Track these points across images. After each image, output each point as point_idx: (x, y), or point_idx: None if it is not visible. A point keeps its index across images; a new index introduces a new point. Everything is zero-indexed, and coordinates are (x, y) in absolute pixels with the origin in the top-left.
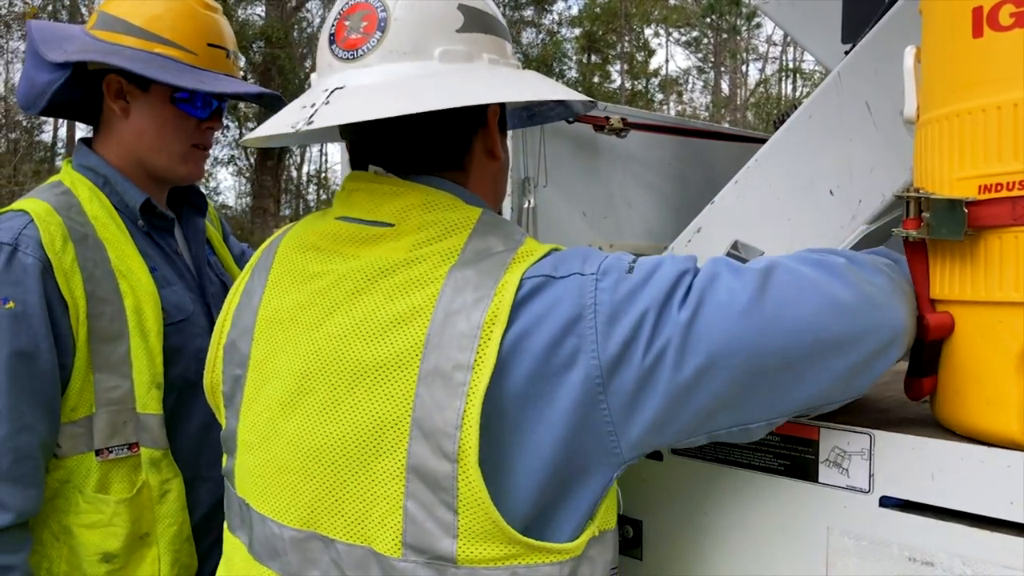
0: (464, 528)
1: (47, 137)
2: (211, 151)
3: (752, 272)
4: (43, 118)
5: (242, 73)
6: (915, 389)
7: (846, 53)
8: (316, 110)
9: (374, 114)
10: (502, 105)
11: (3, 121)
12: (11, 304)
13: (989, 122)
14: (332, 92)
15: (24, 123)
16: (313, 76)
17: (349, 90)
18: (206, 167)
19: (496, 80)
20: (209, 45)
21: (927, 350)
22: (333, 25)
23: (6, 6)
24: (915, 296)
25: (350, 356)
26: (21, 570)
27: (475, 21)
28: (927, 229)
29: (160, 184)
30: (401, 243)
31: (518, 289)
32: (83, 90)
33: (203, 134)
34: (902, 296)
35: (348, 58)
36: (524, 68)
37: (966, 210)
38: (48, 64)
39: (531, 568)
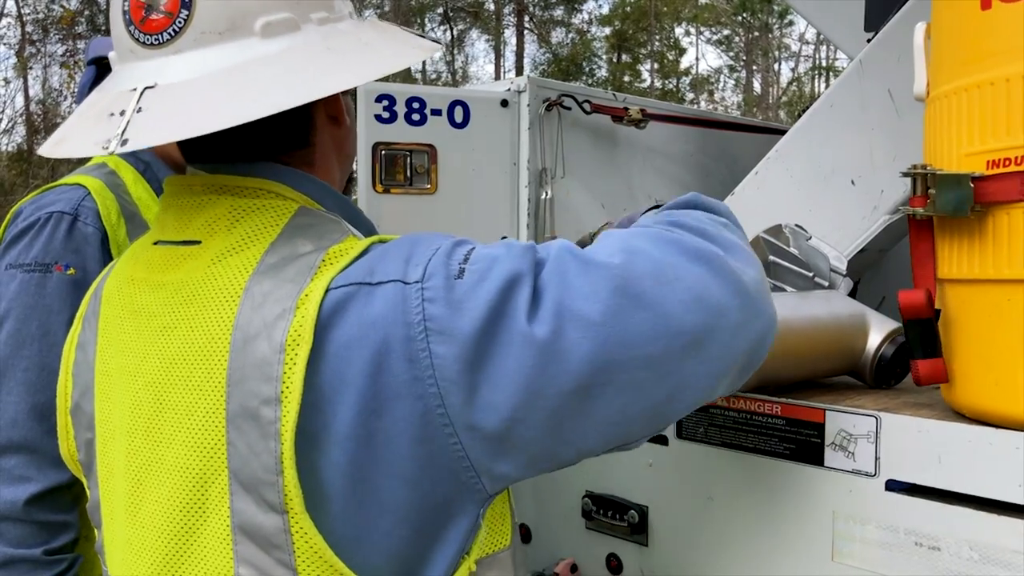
0: None
1: None
2: None
3: (608, 267)
4: None
5: None
6: (914, 373)
7: (869, 42)
8: (128, 122)
9: (196, 130)
10: None
11: (42, 124)
12: (72, 271)
13: (997, 95)
14: (143, 93)
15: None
16: (112, 56)
17: (162, 91)
18: None
19: (335, 58)
20: None
21: (912, 329)
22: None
23: (44, 11)
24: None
25: (166, 405)
26: (75, 528)
27: None
28: (933, 206)
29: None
30: (202, 259)
31: (323, 301)
32: None
33: None
34: (766, 286)
35: (154, 43)
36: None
37: (972, 185)
38: (89, 63)
39: None
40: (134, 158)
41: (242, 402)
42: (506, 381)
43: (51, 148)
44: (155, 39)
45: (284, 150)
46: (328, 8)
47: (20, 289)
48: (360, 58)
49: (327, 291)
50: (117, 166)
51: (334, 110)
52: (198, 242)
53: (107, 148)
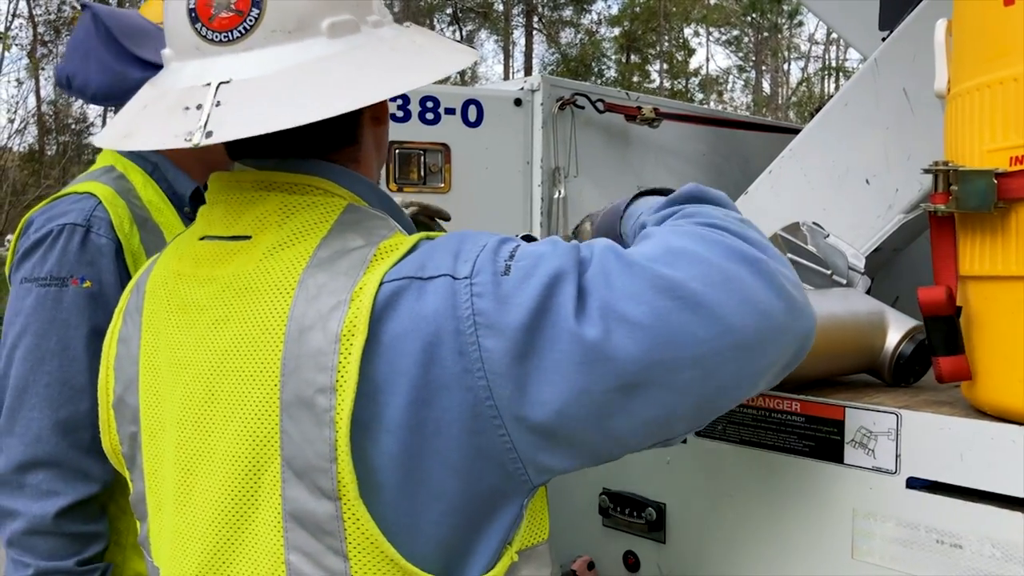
0: (359, 574)
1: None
2: None
3: (651, 269)
4: (91, 120)
5: None
6: (936, 370)
7: (883, 40)
8: (208, 115)
9: (285, 123)
10: None
11: (53, 125)
12: (88, 284)
13: (1020, 91)
14: (218, 88)
15: (73, 126)
16: (167, 53)
17: (239, 86)
18: None
19: (401, 58)
20: None
21: (933, 327)
22: None
23: (55, 12)
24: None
25: (219, 396)
26: (105, 537)
27: None
28: (956, 202)
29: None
30: (253, 254)
31: (377, 294)
32: None
33: None
34: (802, 286)
35: (223, 40)
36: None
37: (996, 181)
38: (139, 61)
39: None
40: (142, 160)
41: (297, 391)
42: (553, 376)
43: (120, 141)
44: (224, 36)
45: (335, 147)
46: (378, 10)
47: (37, 304)
48: (422, 59)
49: (380, 284)
50: (126, 169)
51: (378, 111)
52: (248, 237)
53: (190, 140)
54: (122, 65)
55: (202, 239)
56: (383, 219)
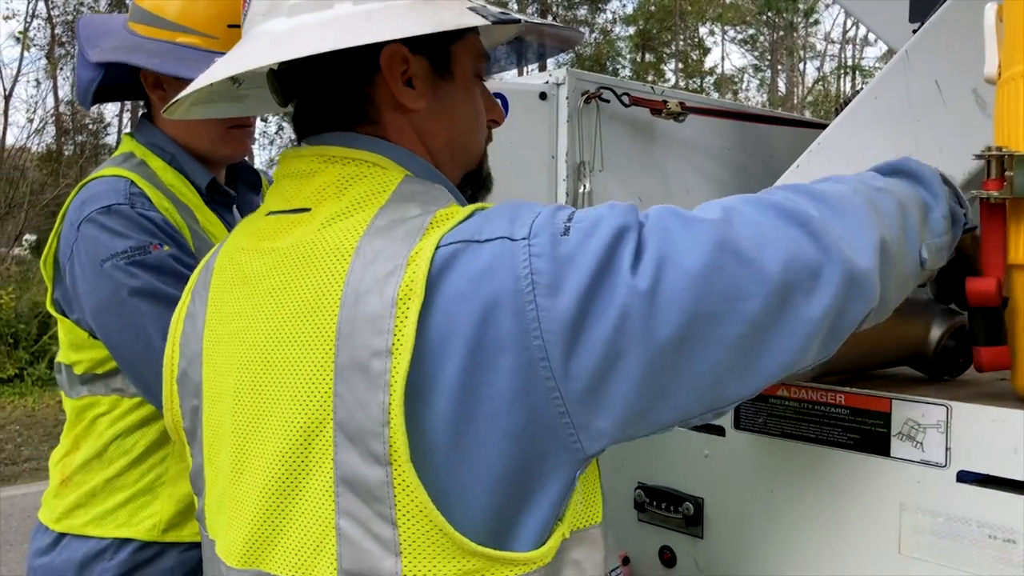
0: (407, 542)
1: (112, 140)
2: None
3: (709, 224)
4: (108, 120)
5: None
6: (976, 359)
7: (914, 32)
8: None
9: (219, 75)
10: (429, 50)
11: (70, 125)
12: (167, 248)
13: None
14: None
15: (90, 126)
16: None
17: (226, 56)
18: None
19: (321, 29)
20: (229, 27)
21: (976, 318)
22: None
23: (72, 12)
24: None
25: (274, 362)
26: None
27: None
28: (1011, 188)
29: (210, 165)
30: (312, 225)
31: (433, 258)
32: (132, 76)
33: None
34: (873, 253)
35: (245, 27)
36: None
37: None
38: (89, 64)
39: None
40: (160, 150)
41: (352, 355)
42: (607, 332)
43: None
44: (244, 23)
45: (346, 123)
46: None
47: (129, 276)
48: (374, 23)
49: (437, 248)
50: (144, 156)
51: (396, 92)
52: (308, 209)
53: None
54: (81, 69)
55: (268, 215)
56: (439, 189)
